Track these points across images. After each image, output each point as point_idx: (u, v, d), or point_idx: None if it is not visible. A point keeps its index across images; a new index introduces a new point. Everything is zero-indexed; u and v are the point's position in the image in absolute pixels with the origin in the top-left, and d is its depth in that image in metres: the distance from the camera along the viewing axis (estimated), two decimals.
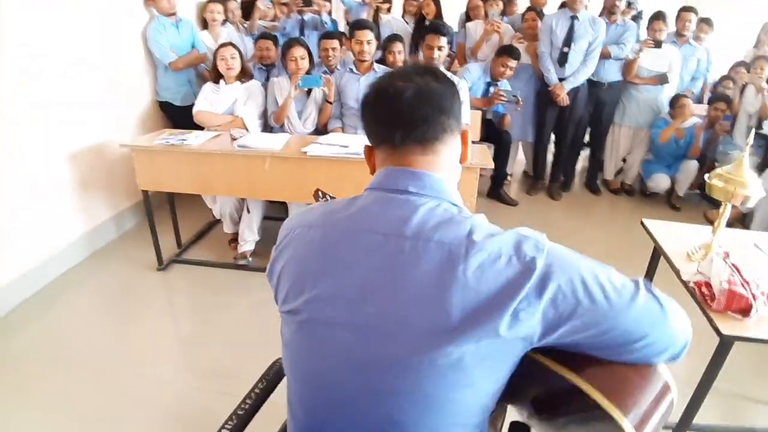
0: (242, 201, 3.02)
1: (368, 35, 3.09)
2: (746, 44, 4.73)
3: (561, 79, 3.89)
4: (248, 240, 3.02)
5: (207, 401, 2.00)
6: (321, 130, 3.26)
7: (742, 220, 3.75)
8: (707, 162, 4.19)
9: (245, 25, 4.18)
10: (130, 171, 2.72)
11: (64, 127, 2.78)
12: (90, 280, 2.85)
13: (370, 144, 0.92)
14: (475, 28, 4.24)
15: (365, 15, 4.32)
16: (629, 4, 4.15)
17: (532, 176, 4.55)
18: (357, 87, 3.16)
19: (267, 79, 3.56)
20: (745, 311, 1.48)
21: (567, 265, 0.72)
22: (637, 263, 2.25)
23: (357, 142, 2.64)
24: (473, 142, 3.13)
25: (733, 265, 1.65)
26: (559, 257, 0.73)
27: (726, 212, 1.75)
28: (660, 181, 4.22)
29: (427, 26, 3.09)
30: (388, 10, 4.47)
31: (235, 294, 2.74)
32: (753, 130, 1.92)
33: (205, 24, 3.91)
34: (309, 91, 3.18)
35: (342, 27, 4.73)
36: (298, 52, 3.07)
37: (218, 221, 3.31)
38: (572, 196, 4.52)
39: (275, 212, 3.39)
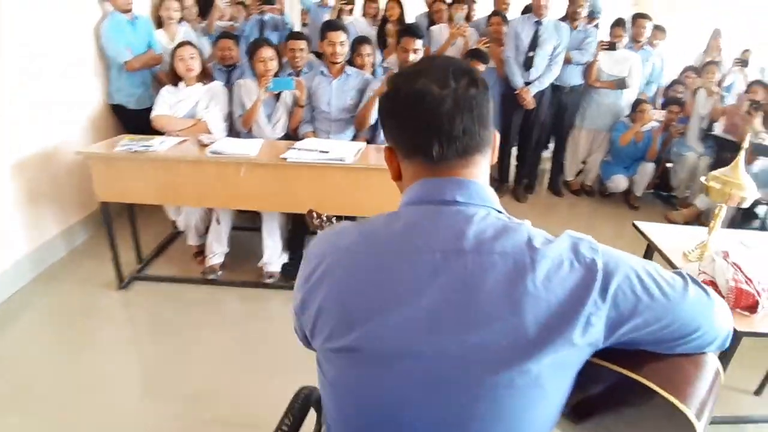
0: (209, 211, 2.83)
1: (341, 36, 2.98)
2: (696, 50, 4.97)
3: (527, 83, 3.93)
4: (217, 252, 2.82)
5: (193, 428, 1.83)
6: (291, 134, 3.11)
7: (698, 217, 3.90)
8: (661, 163, 4.37)
9: (202, 24, 3.96)
10: (81, 180, 2.48)
11: (3, 133, 2.49)
12: (40, 303, 2.56)
13: (390, 147, 0.82)
14: (440, 31, 4.21)
15: (327, 16, 4.20)
16: (591, 15, 4.25)
17: (497, 179, 4.58)
18: (329, 90, 3.04)
19: (228, 81, 3.38)
20: (753, 308, 1.53)
21: (621, 263, 0.70)
22: None
23: (337, 147, 2.51)
24: None
25: (735, 263, 1.67)
26: (613, 256, 0.71)
27: (722, 214, 1.78)
28: (619, 182, 4.36)
29: (403, 29, 3.02)
30: (351, 11, 4.38)
31: (207, 311, 2.55)
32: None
33: (159, 22, 3.66)
34: (278, 94, 3.03)
35: (298, 28, 4.59)
36: (267, 53, 2.92)
37: (180, 233, 3.09)
38: (536, 198, 4.59)
39: (245, 222, 3.20)
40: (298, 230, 2.92)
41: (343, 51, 3.02)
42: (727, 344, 0.76)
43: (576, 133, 4.49)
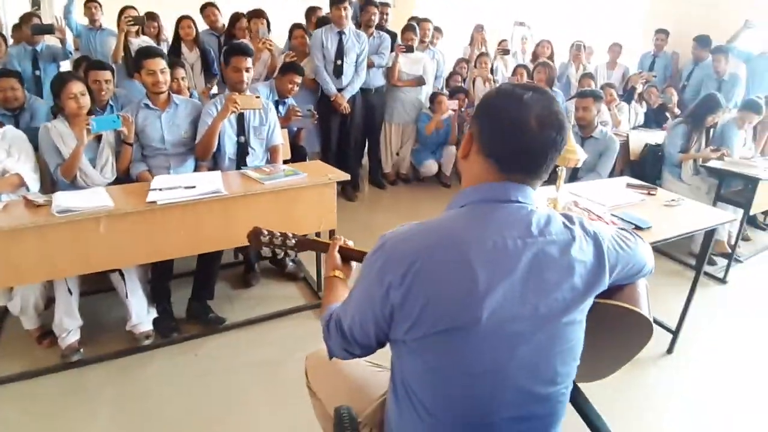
0: (49, 284, 2.37)
1: (161, 63, 2.72)
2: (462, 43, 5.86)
3: (339, 90, 4.15)
4: (71, 328, 2.37)
5: None
6: (122, 177, 2.77)
7: None
8: (459, 144, 5.09)
9: None
10: None
11: None
12: None
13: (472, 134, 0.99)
14: None
15: (113, 42, 3.80)
16: (380, 27, 4.64)
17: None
18: (158, 125, 2.77)
19: (17, 125, 2.83)
20: None
21: (604, 232, 1.02)
22: None
23: (198, 179, 2.36)
24: (284, 162, 3.13)
25: (585, 209, 2.18)
26: (597, 227, 1.02)
27: (563, 174, 2.25)
28: (430, 167, 4.95)
29: (231, 47, 2.89)
30: (137, 33, 4.00)
31: (81, 404, 2.13)
32: None
33: None
34: (99, 134, 2.66)
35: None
36: (77, 87, 2.52)
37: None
38: (363, 195, 4.89)
39: (88, 285, 2.73)
40: (162, 277, 2.64)
41: (165, 79, 2.78)
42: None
43: (386, 129, 4.91)
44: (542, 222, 0.94)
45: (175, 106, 2.83)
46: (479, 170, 0.97)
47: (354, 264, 1.40)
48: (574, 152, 2.16)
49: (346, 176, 2.65)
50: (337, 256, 1.38)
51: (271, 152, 3.07)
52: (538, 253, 0.91)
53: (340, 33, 4.04)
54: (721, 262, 3.46)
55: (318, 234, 2.86)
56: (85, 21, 4.28)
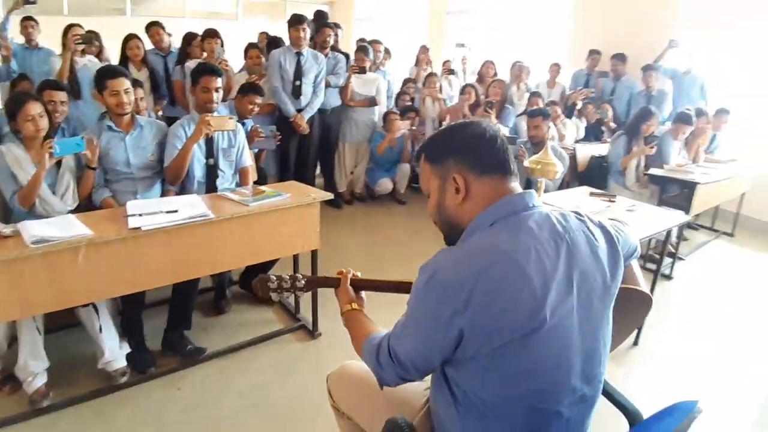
0: (12, 324, 2.16)
1: (125, 83, 2.58)
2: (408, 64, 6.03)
3: (299, 110, 4.13)
4: (38, 371, 2.16)
5: None
6: (83, 204, 2.59)
7: None
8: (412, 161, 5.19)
9: None
10: None
11: None
12: None
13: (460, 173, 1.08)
14: None
15: (57, 63, 3.57)
16: (334, 48, 4.68)
17: None
18: (123, 148, 2.63)
19: None
20: None
21: (604, 220, 1.15)
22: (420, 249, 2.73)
23: (184, 203, 2.26)
24: (255, 183, 3.07)
25: None
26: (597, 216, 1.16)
27: (543, 186, 2.37)
28: (385, 185, 5.00)
29: (201, 68, 2.78)
30: (83, 52, 3.78)
31: None
32: None
33: None
34: (59, 159, 2.48)
35: None
36: (35, 108, 2.35)
37: None
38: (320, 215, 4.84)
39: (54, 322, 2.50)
40: (134, 308, 2.48)
41: (129, 99, 2.64)
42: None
43: (341, 149, 4.92)
44: (561, 219, 1.05)
45: (140, 128, 2.70)
46: (486, 189, 1.06)
47: (363, 294, 1.41)
48: (554, 165, 2.29)
49: (329, 195, 2.64)
50: (350, 289, 1.39)
51: (241, 174, 3.00)
52: (569, 248, 1.01)
53: (298, 54, 4.04)
54: (666, 260, 3.76)
55: (297, 255, 2.83)
56: (20, 39, 4.02)
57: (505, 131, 4.50)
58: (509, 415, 1.02)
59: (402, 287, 1.38)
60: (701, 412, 0.98)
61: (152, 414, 2.17)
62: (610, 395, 1.28)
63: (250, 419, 2.16)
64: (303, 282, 1.43)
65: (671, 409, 1.04)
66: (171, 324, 2.55)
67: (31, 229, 1.94)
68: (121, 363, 2.34)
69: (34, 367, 2.16)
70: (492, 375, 0.99)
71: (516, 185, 1.08)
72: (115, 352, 2.33)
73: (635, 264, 1.33)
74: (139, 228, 2.02)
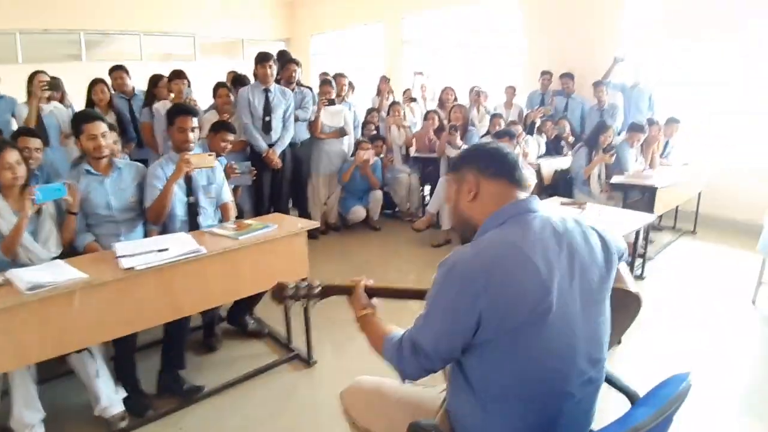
0: (5, 376, 2.09)
1: (101, 127, 2.59)
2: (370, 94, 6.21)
3: (270, 146, 4.20)
4: (34, 423, 2.10)
5: None
6: (66, 250, 2.55)
7: (435, 220, 4.87)
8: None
9: None
10: None
11: None
12: None
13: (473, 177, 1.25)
14: (165, 107, 4.05)
15: (24, 110, 3.54)
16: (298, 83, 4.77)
17: None
18: (104, 191, 2.62)
19: None
20: None
21: (594, 223, 1.26)
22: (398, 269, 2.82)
23: (174, 242, 2.27)
24: (237, 217, 3.10)
25: None
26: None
27: None
28: (358, 213, 5.07)
29: (175, 108, 2.81)
30: (49, 99, 3.76)
31: None
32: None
33: None
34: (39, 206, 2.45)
35: None
36: (12, 156, 2.34)
37: None
38: None
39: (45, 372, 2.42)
40: (126, 351, 2.43)
41: (107, 143, 2.65)
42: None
43: (314, 181, 4.99)
44: (560, 222, 1.18)
45: (119, 170, 2.70)
46: (494, 191, 1.22)
47: (375, 300, 1.48)
48: (528, 179, 2.43)
49: (316, 224, 2.69)
50: (365, 295, 1.47)
51: (222, 210, 3.01)
52: (570, 245, 1.14)
53: (266, 90, 4.13)
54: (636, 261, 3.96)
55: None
56: None
57: None
58: (525, 397, 1.12)
59: (412, 293, 1.47)
60: (692, 384, 1.09)
61: None
62: (610, 380, 1.38)
63: None
64: (318, 289, 1.49)
65: (665, 382, 1.15)
66: (165, 365, 2.52)
67: (23, 276, 1.92)
68: (119, 408, 2.29)
69: (29, 418, 2.10)
70: (508, 358, 1.09)
71: (523, 193, 1.22)
72: (111, 397, 2.28)
73: (623, 266, 1.44)
74: (132, 268, 2.02)
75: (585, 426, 1.22)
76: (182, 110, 2.84)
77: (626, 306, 1.42)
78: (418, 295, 1.41)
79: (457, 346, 1.12)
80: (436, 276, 1.14)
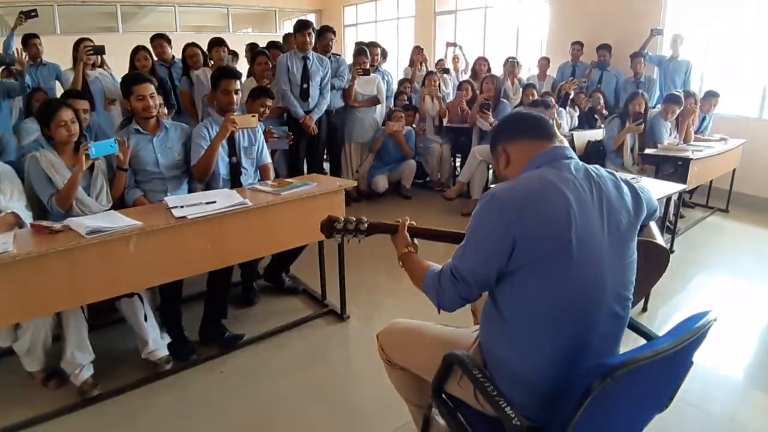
0: (56, 323, 2.25)
1: (150, 89, 2.71)
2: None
3: (307, 112, 4.28)
4: (84, 363, 2.25)
5: None
6: (116, 204, 2.70)
7: (466, 189, 4.93)
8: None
9: None
10: None
11: None
12: None
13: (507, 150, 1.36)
14: (205, 75, 4.18)
15: (70, 76, 3.69)
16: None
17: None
18: (151, 149, 2.75)
19: None
20: None
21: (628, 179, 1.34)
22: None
23: (220, 196, 2.39)
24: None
25: None
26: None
27: None
28: (378, 182, 5.09)
29: (220, 71, 2.93)
30: (94, 65, 3.91)
31: None
32: None
33: None
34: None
35: None
36: (67, 114, 2.47)
37: None
38: None
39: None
40: (173, 300, 2.58)
41: (155, 104, 2.77)
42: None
43: (347, 149, 5.07)
44: (594, 169, 1.27)
45: (165, 130, 2.82)
46: (522, 148, 1.32)
47: (416, 240, 1.57)
48: None
49: (353, 183, 2.77)
50: (407, 235, 1.57)
51: (262, 171, 3.13)
52: (600, 187, 1.21)
53: (305, 58, 4.20)
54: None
55: (322, 243, 2.96)
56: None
57: None
58: (555, 327, 1.18)
59: (451, 236, 1.57)
60: (715, 319, 1.13)
61: (201, 396, 2.28)
62: (634, 327, 1.43)
63: (291, 397, 2.28)
64: (366, 225, 1.59)
65: (687, 319, 1.19)
66: (208, 314, 2.67)
67: (83, 221, 2.06)
68: (164, 352, 2.45)
69: (81, 359, 2.25)
70: (538, 285, 1.17)
71: (554, 144, 1.30)
72: (158, 341, 2.44)
73: (653, 225, 1.51)
74: (185, 217, 2.14)
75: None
76: (227, 73, 2.94)
77: (655, 259, 1.48)
78: (456, 237, 1.49)
79: (492, 270, 1.19)
80: (476, 207, 1.24)
